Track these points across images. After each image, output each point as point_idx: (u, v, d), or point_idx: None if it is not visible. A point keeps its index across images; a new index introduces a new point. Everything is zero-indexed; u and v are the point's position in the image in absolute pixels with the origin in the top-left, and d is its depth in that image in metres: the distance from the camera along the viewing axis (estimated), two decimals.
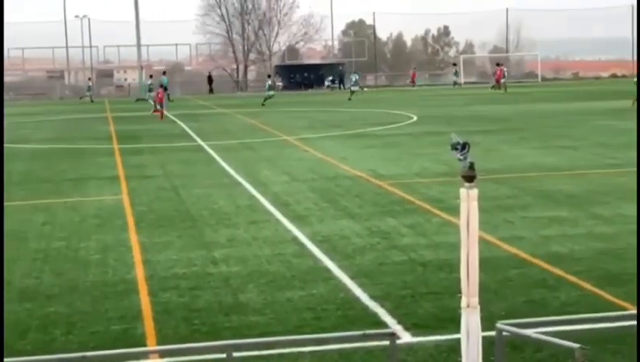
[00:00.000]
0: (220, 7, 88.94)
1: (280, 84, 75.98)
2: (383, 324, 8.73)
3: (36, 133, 34.43)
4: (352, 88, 56.08)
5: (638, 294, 6.49)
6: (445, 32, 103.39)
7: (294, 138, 28.71)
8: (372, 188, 17.57)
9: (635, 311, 8.46)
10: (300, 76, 79.96)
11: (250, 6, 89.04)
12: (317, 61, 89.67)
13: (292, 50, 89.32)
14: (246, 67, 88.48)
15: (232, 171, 20.60)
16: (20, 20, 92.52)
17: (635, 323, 5.73)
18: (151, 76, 61.16)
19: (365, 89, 62.49)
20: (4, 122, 33.85)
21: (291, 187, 17.90)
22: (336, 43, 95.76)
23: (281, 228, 13.71)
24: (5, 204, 15.57)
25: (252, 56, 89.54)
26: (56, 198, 17.37)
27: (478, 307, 5.97)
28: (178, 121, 38.68)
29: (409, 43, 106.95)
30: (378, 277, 10.54)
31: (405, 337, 8.34)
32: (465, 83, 74.86)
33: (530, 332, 5.83)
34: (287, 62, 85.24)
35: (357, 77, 58.66)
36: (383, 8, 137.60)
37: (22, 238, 13.37)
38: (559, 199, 15.59)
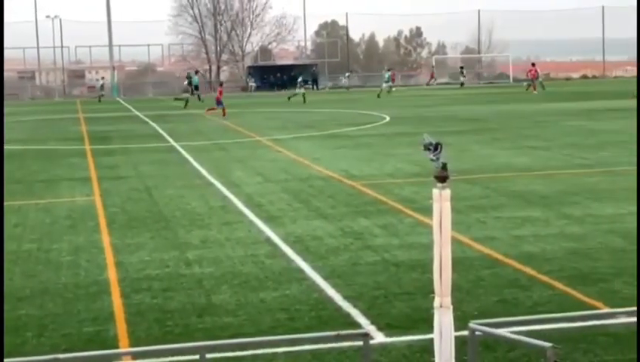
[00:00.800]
0: (192, 8, 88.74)
1: (253, 84, 75.89)
2: (357, 325, 8.74)
3: (7, 134, 34.15)
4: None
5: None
6: (417, 32, 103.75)
7: (267, 139, 28.69)
8: (345, 188, 17.59)
9: (604, 311, 8.54)
10: (273, 77, 79.91)
11: (222, 7, 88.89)
12: (290, 62, 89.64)
13: (265, 51, 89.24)
14: (219, 68, 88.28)
15: (204, 172, 20.54)
16: None
17: (599, 322, 5.80)
18: (197, 72, 61.08)
19: (393, 88, 61.81)
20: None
21: (264, 188, 17.88)
22: (309, 44, 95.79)
23: (254, 229, 13.69)
24: None
25: (225, 56, 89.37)
26: (28, 200, 17.24)
27: (451, 307, 5.99)
28: (150, 122, 38.52)
29: (381, 44, 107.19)
30: (351, 278, 10.55)
31: (378, 337, 8.35)
32: (437, 83, 75.16)
33: (502, 331, 5.87)
34: (260, 62, 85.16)
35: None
36: (356, 9, 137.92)
37: None
38: (531, 199, 15.69)
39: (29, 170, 22.34)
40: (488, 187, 17.14)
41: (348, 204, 15.71)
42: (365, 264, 11.25)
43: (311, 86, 74.94)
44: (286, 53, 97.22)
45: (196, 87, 56.75)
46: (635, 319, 7.65)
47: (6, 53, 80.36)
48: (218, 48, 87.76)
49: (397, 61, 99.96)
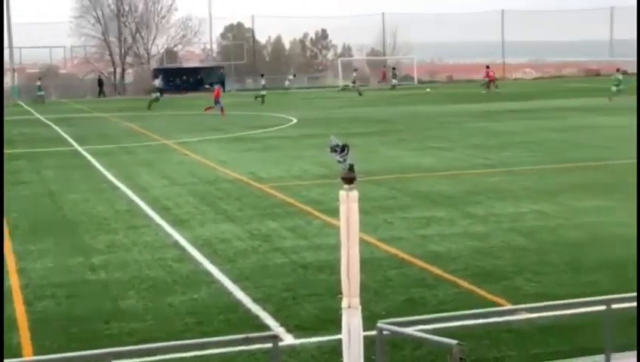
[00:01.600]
0: (95, 9, 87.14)
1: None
2: (266, 327, 8.74)
3: None
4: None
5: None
6: (323, 35, 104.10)
7: (174, 142, 28.42)
8: (252, 191, 17.56)
9: (507, 307, 8.74)
10: (179, 79, 79.13)
11: (126, 8, 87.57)
12: (196, 64, 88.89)
13: (170, 53, 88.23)
14: (123, 70, 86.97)
15: (110, 176, 20.23)
16: None
17: (501, 318, 5.94)
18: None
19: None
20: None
21: (171, 191, 17.72)
22: (214, 46, 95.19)
23: (161, 233, 13.55)
24: None
25: (129, 59, 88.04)
26: None
27: (359, 307, 6.05)
28: (53, 126, 37.72)
29: (288, 46, 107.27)
30: (260, 280, 10.55)
31: (288, 339, 8.38)
32: (344, 86, 75.57)
33: (409, 330, 5.95)
34: (166, 65, 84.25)
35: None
36: (262, 11, 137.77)
37: None
38: (436, 199, 15.94)
39: None
40: (395, 188, 17.35)
41: (256, 206, 15.69)
42: (274, 266, 11.26)
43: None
44: (192, 56, 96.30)
45: (160, 90, 56.08)
46: (537, 314, 7.86)
47: None
48: (122, 50, 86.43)
49: (303, 63, 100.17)
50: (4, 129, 30.08)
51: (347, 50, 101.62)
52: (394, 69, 73.39)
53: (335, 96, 60.13)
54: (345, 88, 68.03)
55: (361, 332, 6.07)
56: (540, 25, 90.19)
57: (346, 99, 53.73)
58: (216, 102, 42.04)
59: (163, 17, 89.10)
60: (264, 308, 9.37)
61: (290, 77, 59.45)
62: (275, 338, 5.88)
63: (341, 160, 5.96)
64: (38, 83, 66.28)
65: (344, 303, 6.04)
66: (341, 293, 6.10)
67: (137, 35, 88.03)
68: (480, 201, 15.55)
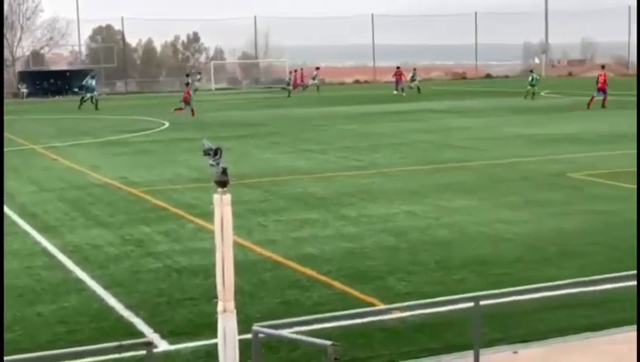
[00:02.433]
0: None
1: (25, 90, 72.85)
2: (139, 334, 8.62)
3: None
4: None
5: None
6: (195, 38, 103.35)
7: (42, 147, 27.67)
8: (124, 195, 17.28)
9: (380, 307, 8.90)
10: (47, 83, 77.03)
11: None
12: (64, 67, 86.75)
13: (37, 56, 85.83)
14: None
15: None
16: None
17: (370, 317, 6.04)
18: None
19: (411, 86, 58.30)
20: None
21: (40, 197, 17.25)
22: (83, 49, 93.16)
23: (29, 240, 13.18)
24: None
25: None
26: None
27: (234, 311, 6.05)
28: None
29: (159, 49, 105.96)
30: (133, 286, 10.40)
31: (162, 345, 8.28)
32: (216, 89, 75.26)
33: (285, 332, 5.99)
34: (32, 68, 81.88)
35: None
36: (132, 14, 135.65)
37: None
38: (310, 202, 16.07)
39: None
40: (268, 190, 17.40)
41: (128, 211, 15.45)
42: (147, 271, 11.11)
43: (84, 92, 72.73)
44: (60, 59, 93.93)
45: (87, 89, 53.83)
46: (409, 313, 8.04)
47: None
48: None
49: (175, 66, 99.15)
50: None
51: (219, 53, 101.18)
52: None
53: (209, 99, 59.78)
54: (285, 89, 66.03)
55: (236, 335, 6.08)
56: (409, 29, 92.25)
57: (220, 103, 53.51)
58: (186, 102, 41.66)
59: (28, 19, 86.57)
60: (137, 315, 9.24)
61: (199, 76, 58.61)
62: (149, 344, 5.81)
63: (214, 163, 5.95)
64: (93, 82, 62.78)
65: (219, 307, 6.03)
66: (216, 297, 6.08)
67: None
68: (352, 203, 15.76)
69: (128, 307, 9.52)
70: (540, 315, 8.71)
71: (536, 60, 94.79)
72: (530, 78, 48.50)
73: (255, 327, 5.88)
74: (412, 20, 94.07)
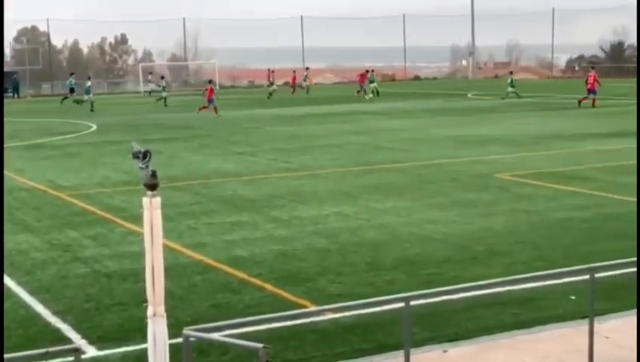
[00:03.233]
0: None
1: None
2: (67, 340, 8.49)
3: None
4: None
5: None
6: (123, 39, 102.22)
7: None
8: (51, 200, 17.00)
9: (312, 309, 8.92)
10: None
11: None
12: None
13: None
14: None
15: None
16: None
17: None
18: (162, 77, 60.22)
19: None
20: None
21: None
22: (8, 50, 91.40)
23: None
24: None
25: None
26: None
27: (165, 315, 6.00)
28: None
29: (86, 51, 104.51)
30: (60, 292, 10.24)
31: (90, 351, 8.17)
32: (144, 91, 74.51)
33: (215, 336, 5.95)
34: None
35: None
36: (57, 15, 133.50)
37: None
38: (240, 204, 16.02)
39: None
40: (199, 193, 17.29)
41: (55, 215, 15.21)
42: (75, 276, 10.95)
43: (12, 94, 71.39)
44: None
45: (71, 90, 52.80)
46: (340, 314, 8.07)
47: None
48: None
49: (102, 68, 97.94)
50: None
51: (148, 55, 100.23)
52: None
53: (138, 101, 59.16)
54: (271, 94, 64.14)
55: (166, 339, 6.02)
56: (339, 31, 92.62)
57: (150, 105, 52.98)
58: (210, 101, 41.76)
59: None
60: (65, 320, 9.10)
61: (162, 77, 58.72)
62: (77, 351, 5.71)
63: (143, 166, 5.89)
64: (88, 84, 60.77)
65: (149, 311, 5.97)
66: (146, 301, 6.03)
67: None
68: (283, 205, 15.77)
69: (56, 313, 9.37)
70: (469, 314, 8.84)
71: (464, 62, 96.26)
72: (509, 80, 50.31)
73: (185, 331, 5.84)
74: (342, 22, 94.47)
